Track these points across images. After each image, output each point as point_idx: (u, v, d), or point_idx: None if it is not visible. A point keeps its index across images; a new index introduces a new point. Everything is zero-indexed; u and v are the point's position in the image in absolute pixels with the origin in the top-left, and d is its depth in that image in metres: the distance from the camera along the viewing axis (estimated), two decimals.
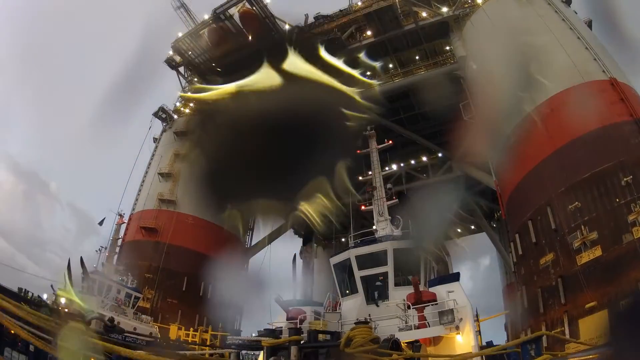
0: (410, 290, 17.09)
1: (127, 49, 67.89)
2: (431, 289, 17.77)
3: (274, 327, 17.66)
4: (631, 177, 26.19)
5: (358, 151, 22.71)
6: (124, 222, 42.72)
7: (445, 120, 56.55)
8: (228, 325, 47.47)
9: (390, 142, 24.46)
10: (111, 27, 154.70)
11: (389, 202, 20.82)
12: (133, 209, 52.36)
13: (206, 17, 50.55)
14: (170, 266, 47.29)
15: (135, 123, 63.94)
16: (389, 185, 21.68)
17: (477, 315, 18.45)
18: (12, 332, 14.29)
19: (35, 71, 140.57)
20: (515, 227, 36.12)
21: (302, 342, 14.55)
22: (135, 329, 31.47)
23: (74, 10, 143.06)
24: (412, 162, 63.36)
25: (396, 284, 18.65)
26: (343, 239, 64.83)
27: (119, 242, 40.59)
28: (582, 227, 27.64)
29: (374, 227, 20.72)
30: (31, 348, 14.70)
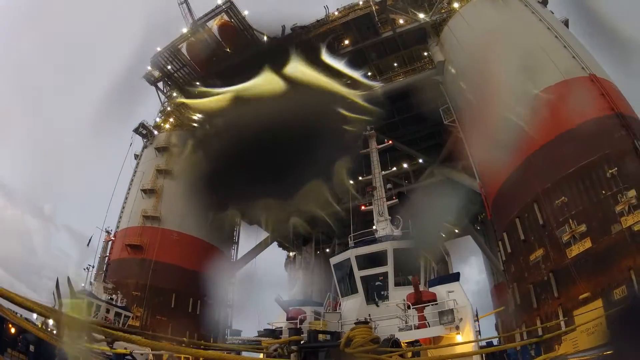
0: (410, 290, 17.14)
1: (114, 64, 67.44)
2: (431, 289, 17.85)
3: (274, 327, 17.57)
4: (616, 168, 26.74)
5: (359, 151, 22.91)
6: (112, 239, 41.94)
7: (425, 125, 57.31)
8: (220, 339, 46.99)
9: (390, 142, 24.63)
10: (97, 41, 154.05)
11: (389, 202, 20.88)
12: (117, 227, 51.44)
13: (184, 30, 50.28)
14: (157, 283, 46.48)
15: (122, 139, 63.33)
16: (389, 186, 21.77)
17: (477, 315, 18.55)
18: (13, 331, 13.92)
19: (21, 89, 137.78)
20: (502, 226, 36.42)
21: (302, 342, 14.46)
22: (125, 348, 30.73)
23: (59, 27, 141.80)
24: (394, 168, 63.58)
25: (396, 284, 18.70)
26: (327, 250, 64.91)
27: (107, 259, 39.75)
28: (570, 220, 28.06)
29: (374, 227, 20.73)
30: (31, 348, 14.27)
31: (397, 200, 21.15)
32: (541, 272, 29.79)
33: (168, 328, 43.58)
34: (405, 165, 64.07)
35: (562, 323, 25.72)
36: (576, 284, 26.26)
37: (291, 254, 72.95)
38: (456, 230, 70.54)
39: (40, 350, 14.35)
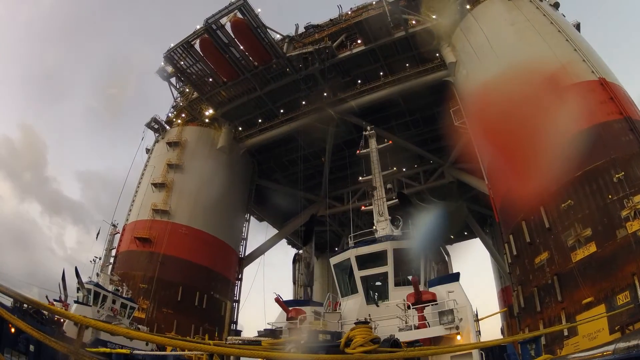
0: (410, 290, 17.03)
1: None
2: (431, 289, 17.70)
3: (274, 327, 17.63)
4: (623, 173, 26.55)
5: (358, 151, 22.87)
6: (118, 233, 42.32)
7: (436, 126, 57.15)
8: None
9: (390, 142, 24.49)
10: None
11: (389, 202, 20.81)
12: (127, 220, 52.01)
13: (198, 27, 50.46)
14: (164, 276, 46.83)
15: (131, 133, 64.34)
16: (389, 185, 21.69)
17: (477, 316, 18.51)
18: (13, 331, 14.27)
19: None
20: (509, 228, 36.26)
21: (302, 342, 14.52)
22: (131, 340, 31.14)
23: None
24: (404, 169, 63.43)
25: (396, 284, 18.58)
26: (336, 248, 65.05)
27: (113, 252, 40.14)
28: (576, 224, 27.89)
29: (374, 227, 20.70)
30: (31, 348, 14.61)
31: (397, 200, 21.09)
32: (546, 276, 29.65)
33: (174, 321, 44.11)
34: (415, 166, 64.06)
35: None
36: (580, 288, 26.11)
37: (300, 251, 73.35)
38: (465, 233, 70.80)
39: (40, 351, 14.70)
